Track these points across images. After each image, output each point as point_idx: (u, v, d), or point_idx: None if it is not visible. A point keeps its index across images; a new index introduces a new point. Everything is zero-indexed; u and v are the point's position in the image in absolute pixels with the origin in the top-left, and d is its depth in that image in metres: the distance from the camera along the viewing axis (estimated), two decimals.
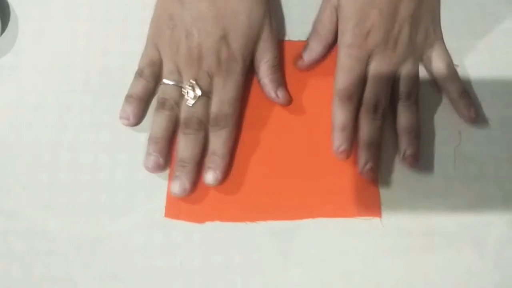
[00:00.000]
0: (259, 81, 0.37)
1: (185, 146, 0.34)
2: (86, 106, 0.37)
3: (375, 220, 0.34)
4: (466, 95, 0.37)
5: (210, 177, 0.34)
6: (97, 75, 0.37)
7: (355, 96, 0.36)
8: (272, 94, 0.36)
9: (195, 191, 0.34)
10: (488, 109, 0.37)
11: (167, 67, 0.36)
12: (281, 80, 0.37)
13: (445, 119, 0.37)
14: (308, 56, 0.38)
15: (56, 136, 0.36)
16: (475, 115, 0.37)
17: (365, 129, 0.35)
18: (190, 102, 0.34)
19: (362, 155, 0.35)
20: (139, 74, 0.36)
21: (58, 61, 0.38)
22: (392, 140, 0.36)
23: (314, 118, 0.37)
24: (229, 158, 0.35)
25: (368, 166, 0.34)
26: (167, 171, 0.35)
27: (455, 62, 0.38)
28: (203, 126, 0.35)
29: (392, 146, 0.36)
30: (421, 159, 0.35)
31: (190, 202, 0.34)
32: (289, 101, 0.37)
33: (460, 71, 0.38)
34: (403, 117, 0.36)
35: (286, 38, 0.39)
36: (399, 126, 0.36)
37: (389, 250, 0.33)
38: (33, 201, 0.34)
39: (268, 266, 0.33)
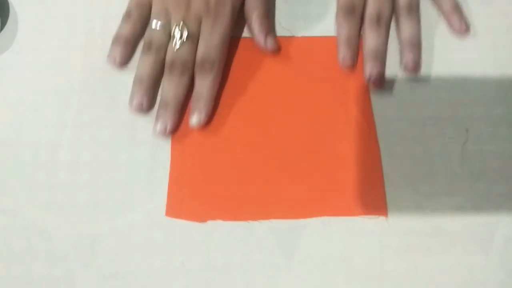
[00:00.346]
0: (249, 29, 0.37)
1: (168, 88, 0.35)
2: (86, 104, 0.36)
3: (380, 219, 0.33)
4: (458, 9, 0.39)
5: (194, 119, 0.34)
6: (97, 73, 0.37)
7: (358, 9, 0.38)
8: (262, 41, 0.37)
9: (196, 190, 0.34)
10: (494, 107, 0.37)
11: (155, 8, 0.36)
12: (270, 28, 0.37)
13: (452, 117, 0.36)
14: None
15: (55, 135, 0.35)
16: (465, 28, 0.38)
17: (370, 40, 0.37)
18: (177, 44, 0.34)
19: (368, 65, 0.36)
20: (127, 15, 0.36)
21: (57, 60, 0.37)
22: (396, 136, 0.36)
23: (319, 115, 0.36)
24: (214, 101, 0.35)
25: (374, 74, 0.36)
26: (167, 171, 0.34)
27: (459, 60, 0.38)
28: (188, 69, 0.35)
29: (398, 141, 0.35)
30: (428, 156, 0.35)
31: (191, 201, 0.34)
32: (277, 49, 0.38)
33: (465, 68, 0.38)
34: (405, 28, 0.38)
35: (289, 34, 0.39)
36: (401, 37, 0.38)
37: (394, 249, 0.33)
38: (32, 200, 0.33)
39: (271, 265, 0.32)
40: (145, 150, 0.35)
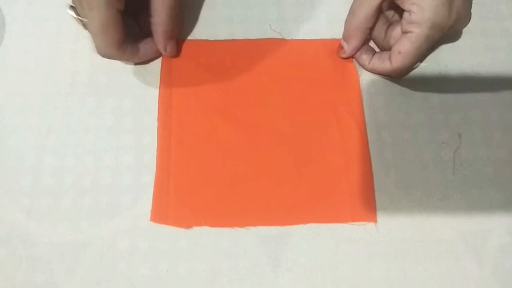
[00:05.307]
0: (152, 25, 0.35)
1: None
2: (72, 108, 0.36)
3: (369, 225, 0.33)
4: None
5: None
6: (84, 76, 0.37)
7: None
8: (161, 46, 0.36)
9: (182, 195, 0.33)
10: (488, 111, 0.36)
11: None
12: (174, 34, 0.36)
13: (444, 121, 0.36)
14: (349, 47, 0.36)
15: (40, 139, 0.35)
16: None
17: None
18: None
19: None
20: None
21: (44, 62, 0.37)
22: (387, 141, 0.35)
23: (308, 119, 0.36)
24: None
25: None
26: (153, 176, 0.34)
27: (453, 63, 0.37)
28: None
29: (389, 146, 0.35)
30: (419, 161, 0.34)
31: (177, 206, 0.33)
32: (175, 54, 0.37)
33: (458, 71, 0.37)
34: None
35: (279, 37, 0.38)
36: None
37: (383, 257, 0.32)
38: (15, 205, 0.33)
39: (257, 273, 0.32)
40: (130, 155, 0.34)
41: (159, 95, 0.36)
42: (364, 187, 0.34)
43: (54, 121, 0.35)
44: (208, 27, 0.39)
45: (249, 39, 0.38)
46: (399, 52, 0.34)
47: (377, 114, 0.36)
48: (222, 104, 0.36)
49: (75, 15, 0.32)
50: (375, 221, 0.33)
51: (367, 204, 0.33)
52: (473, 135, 0.35)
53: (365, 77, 0.37)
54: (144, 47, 0.36)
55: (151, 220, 0.33)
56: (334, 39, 0.38)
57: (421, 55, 0.35)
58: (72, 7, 0.33)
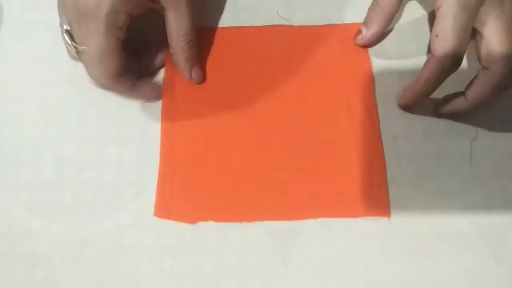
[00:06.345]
0: (172, 55, 0.34)
1: None
2: (72, 99, 0.35)
3: (383, 220, 0.32)
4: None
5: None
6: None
7: None
8: (186, 74, 0.34)
9: (187, 189, 0.32)
10: (505, 100, 0.34)
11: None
12: (196, 58, 0.34)
13: None
14: (368, 31, 0.35)
15: (39, 131, 0.34)
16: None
17: None
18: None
19: None
20: None
21: (43, 52, 0.36)
22: (401, 131, 0.34)
23: (318, 109, 0.34)
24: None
25: None
26: (157, 169, 0.33)
27: (471, 53, 0.36)
28: None
29: (402, 137, 0.34)
30: (434, 153, 0.33)
31: (181, 201, 0.32)
32: (203, 80, 0.35)
33: (476, 61, 0.36)
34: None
35: (287, 23, 0.37)
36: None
37: (397, 253, 0.31)
38: (15, 200, 0.32)
39: (266, 270, 0.30)
40: (133, 147, 0.33)
41: (163, 84, 0.35)
42: (376, 180, 0.32)
43: (54, 112, 0.34)
44: (213, 14, 0.37)
45: (256, 26, 0.37)
46: (436, 36, 0.29)
47: (390, 104, 0.35)
48: (228, 94, 0.35)
49: (69, 41, 0.31)
50: (388, 215, 0.32)
51: (380, 198, 0.32)
52: (491, 125, 0.34)
53: (378, 65, 0.36)
54: (143, 86, 0.34)
55: (154, 215, 0.32)
56: (345, 24, 0.37)
57: (463, 38, 0.29)
58: (67, 32, 0.31)
